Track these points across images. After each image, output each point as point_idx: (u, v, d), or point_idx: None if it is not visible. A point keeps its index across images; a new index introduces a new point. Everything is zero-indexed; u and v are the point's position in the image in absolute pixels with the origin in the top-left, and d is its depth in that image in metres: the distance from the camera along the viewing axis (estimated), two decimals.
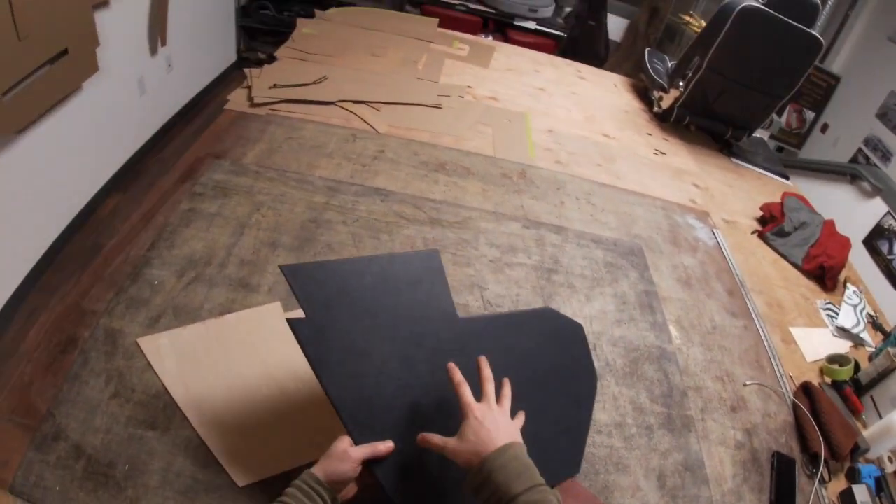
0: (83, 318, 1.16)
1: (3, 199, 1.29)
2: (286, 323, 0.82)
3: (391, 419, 0.84)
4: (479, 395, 0.80)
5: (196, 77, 2.06)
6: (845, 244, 1.99)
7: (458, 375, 0.81)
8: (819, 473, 1.22)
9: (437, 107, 2.23)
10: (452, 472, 0.79)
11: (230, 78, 2.13)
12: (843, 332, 1.69)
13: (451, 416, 0.81)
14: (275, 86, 2.05)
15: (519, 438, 0.77)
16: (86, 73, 1.47)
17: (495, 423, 0.76)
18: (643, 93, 3.07)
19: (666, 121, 2.73)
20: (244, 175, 1.60)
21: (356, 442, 0.81)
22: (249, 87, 2.04)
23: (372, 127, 1.98)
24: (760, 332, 1.58)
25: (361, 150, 1.84)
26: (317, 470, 0.77)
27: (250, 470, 0.95)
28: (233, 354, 1.11)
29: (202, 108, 1.96)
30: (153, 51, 1.74)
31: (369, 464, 0.80)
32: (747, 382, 1.40)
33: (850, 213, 2.69)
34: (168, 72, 1.85)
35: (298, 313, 0.84)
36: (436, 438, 0.78)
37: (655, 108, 2.83)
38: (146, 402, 1.02)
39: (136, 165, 1.66)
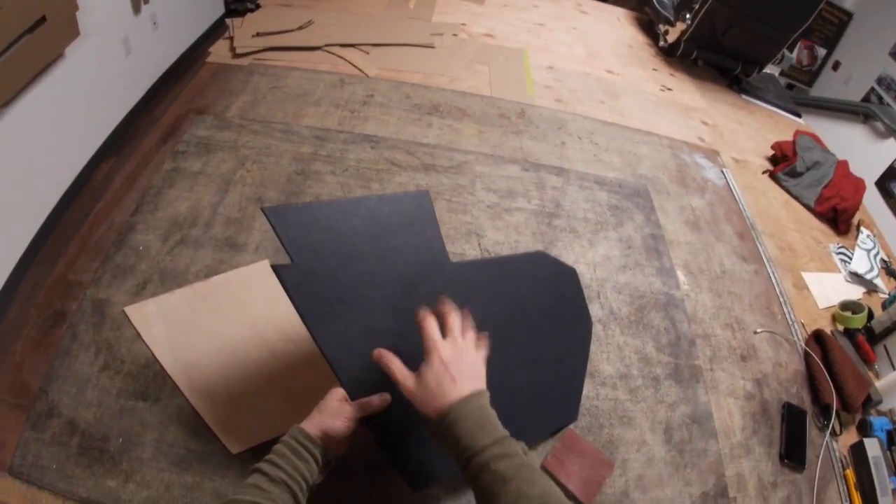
0: (70, 290, 1.12)
1: None
2: (273, 275, 0.75)
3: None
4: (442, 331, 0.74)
5: (184, 33, 1.95)
6: (859, 186, 1.91)
7: (421, 311, 0.74)
8: (830, 426, 1.19)
9: (430, 46, 2.12)
10: None
11: (220, 31, 2.03)
12: (856, 277, 1.63)
13: None
14: (257, 34, 1.94)
15: (483, 381, 0.71)
16: (67, 39, 1.40)
17: (460, 367, 0.69)
18: (648, 26, 2.91)
19: (672, 55, 2.61)
20: (228, 129, 1.52)
21: (351, 396, 0.76)
22: (231, 38, 1.93)
23: (361, 71, 1.88)
24: (772, 276, 1.53)
25: (350, 95, 1.75)
26: (307, 425, 0.73)
27: (243, 437, 0.93)
28: (222, 317, 1.07)
29: (192, 64, 1.86)
30: (136, 9, 1.65)
31: (364, 421, 0.77)
32: (758, 330, 1.36)
33: (863, 153, 2.61)
34: (154, 30, 1.76)
35: None
36: (396, 368, 0.71)
37: (661, 43, 2.69)
38: (136, 373, 0.99)
39: (129, 128, 1.60)
